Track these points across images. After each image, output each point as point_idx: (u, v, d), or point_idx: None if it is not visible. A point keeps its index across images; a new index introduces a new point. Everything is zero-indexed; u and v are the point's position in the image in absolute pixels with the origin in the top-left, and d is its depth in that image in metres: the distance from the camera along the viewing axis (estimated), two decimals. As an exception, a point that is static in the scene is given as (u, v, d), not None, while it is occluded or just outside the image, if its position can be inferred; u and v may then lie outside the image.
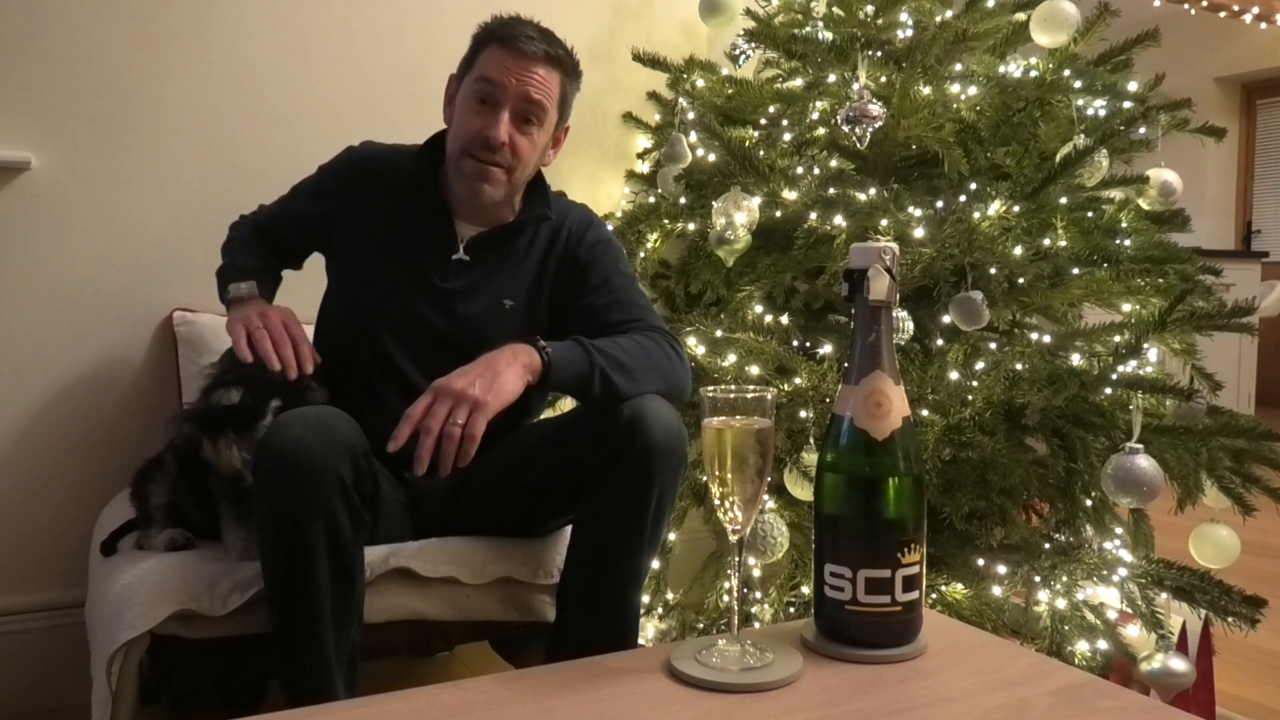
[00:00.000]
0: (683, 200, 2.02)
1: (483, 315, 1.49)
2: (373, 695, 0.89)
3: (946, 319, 1.67)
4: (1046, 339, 1.79)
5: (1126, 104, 1.85)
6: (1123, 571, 1.59)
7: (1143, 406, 1.53)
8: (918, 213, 1.72)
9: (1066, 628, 1.55)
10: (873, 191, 1.75)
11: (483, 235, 1.52)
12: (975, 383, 1.64)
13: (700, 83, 2.14)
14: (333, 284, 1.60)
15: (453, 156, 1.49)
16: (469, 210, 1.52)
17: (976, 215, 1.70)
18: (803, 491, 1.63)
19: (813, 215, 1.77)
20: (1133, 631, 1.57)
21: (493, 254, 1.52)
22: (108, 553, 1.43)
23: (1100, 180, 1.79)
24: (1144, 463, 1.47)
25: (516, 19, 1.48)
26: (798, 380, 1.69)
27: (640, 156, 2.34)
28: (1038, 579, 1.59)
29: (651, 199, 2.14)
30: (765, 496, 1.52)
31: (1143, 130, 1.89)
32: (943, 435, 1.56)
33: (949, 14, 1.90)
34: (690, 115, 2.02)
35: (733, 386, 0.98)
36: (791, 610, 1.73)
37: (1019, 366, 1.64)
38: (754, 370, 1.73)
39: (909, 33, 1.86)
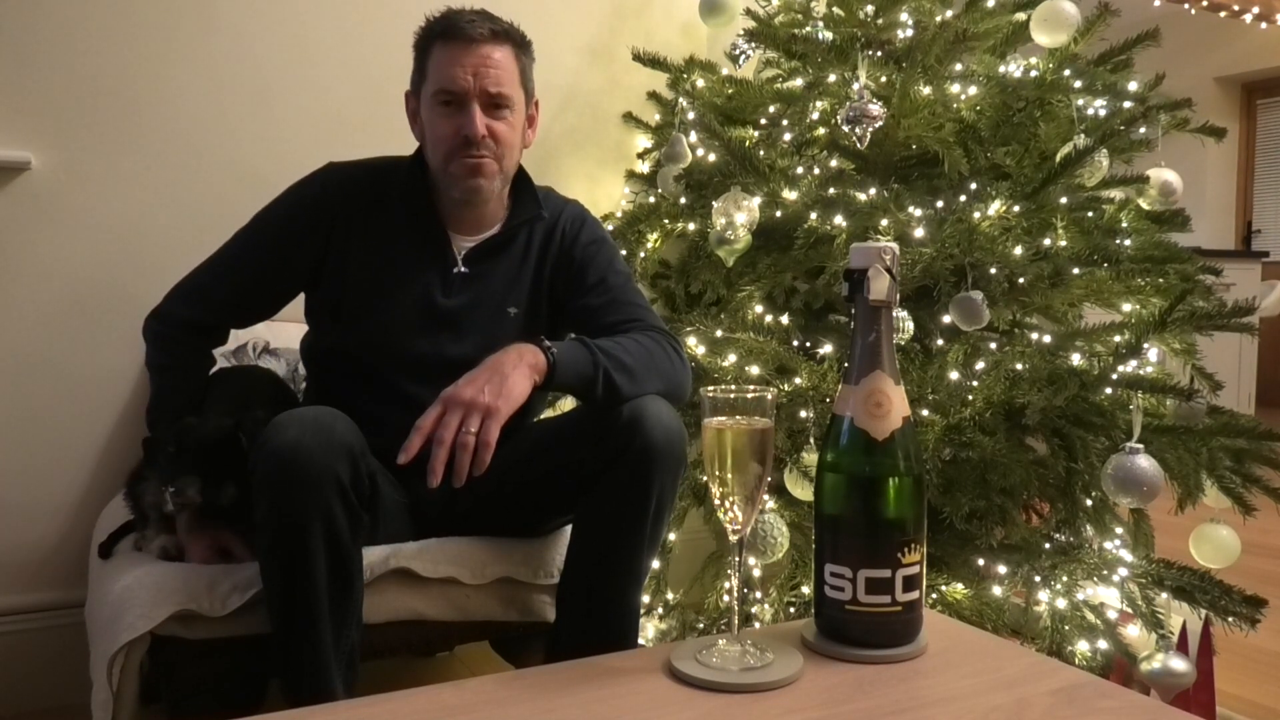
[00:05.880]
0: (683, 200, 2.02)
1: (488, 326, 1.47)
2: (373, 695, 0.89)
3: (946, 319, 1.67)
4: (1046, 339, 1.79)
5: (1126, 104, 1.85)
6: (1123, 571, 1.58)
7: (1143, 406, 1.53)
8: (918, 213, 1.72)
9: (1066, 628, 1.55)
10: (873, 191, 1.75)
11: (479, 246, 1.50)
12: (975, 383, 1.64)
13: (700, 83, 2.14)
14: (323, 316, 1.51)
15: (438, 167, 1.45)
16: (462, 220, 1.50)
17: (976, 215, 1.70)
18: (803, 491, 1.63)
19: (813, 215, 1.77)
20: (1133, 631, 1.56)
21: (490, 263, 1.50)
22: (106, 555, 1.42)
23: (1100, 180, 1.79)
24: (1144, 463, 1.47)
25: (450, 11, 1.44)
26: (798, 380, 1.69)
27: (640, 156, 2.34)
28: (1038, 579, 1.59)
29: (651, 199, 2.14)
30: (765, 496, 1.52)
31: (1143, 130, 1.89)
32: (943, 435, 1.56)
33: (949, 14, 1.90)
34: (690, 115, 2.02)
35: (733, 386, 0.98)
36: (791, 610, 1.73)
37: (1019, 366, 1.64)
38: (754, 370, 1.73)
39: (909, 33, 1.86)
